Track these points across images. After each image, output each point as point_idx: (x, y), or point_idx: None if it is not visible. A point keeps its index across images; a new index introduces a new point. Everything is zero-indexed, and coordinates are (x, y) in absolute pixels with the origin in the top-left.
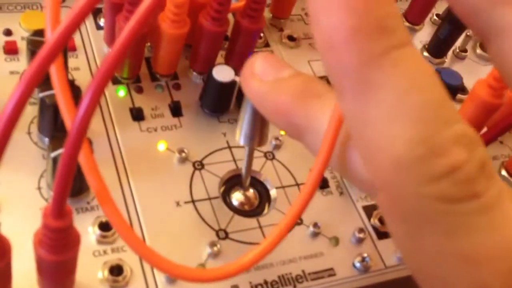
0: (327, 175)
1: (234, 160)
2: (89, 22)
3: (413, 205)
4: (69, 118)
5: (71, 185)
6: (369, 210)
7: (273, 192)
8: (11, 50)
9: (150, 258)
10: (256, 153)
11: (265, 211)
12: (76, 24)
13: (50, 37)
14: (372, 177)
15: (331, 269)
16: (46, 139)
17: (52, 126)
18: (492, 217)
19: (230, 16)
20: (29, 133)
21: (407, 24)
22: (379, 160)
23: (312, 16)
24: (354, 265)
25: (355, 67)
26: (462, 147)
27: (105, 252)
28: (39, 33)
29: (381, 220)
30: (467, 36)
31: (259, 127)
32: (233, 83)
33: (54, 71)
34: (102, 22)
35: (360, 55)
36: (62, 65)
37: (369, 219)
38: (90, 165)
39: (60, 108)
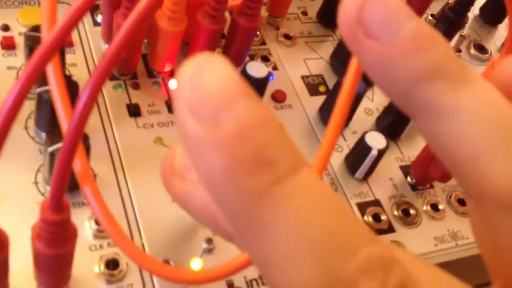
0: None
1: None
2: (87, 18)
3: None
4: (66, 112)
5: (69, 179)
6: (363, 207)
7: None
8: (8, 45)
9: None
10: None
11: None
12: (74, 22)
13: (48, 35)
14: None
15: None
16: (43, 134)
17: (49, 121)
18: None
19: (226, 14)
20: (26, 128)
21: None
22: None
23: (191, 159)
24: None
25: (238, 208)
26: (371, 276)
27: (101, 246)
28: (37, 28)
29: (374, 218)
30: (461, 36)
31: None
32: None
33: (51, 70)
34: (99, 18)
35: (239, 194)
36: (59, 63)
37: (363, 216)
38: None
39: (56, 106)
